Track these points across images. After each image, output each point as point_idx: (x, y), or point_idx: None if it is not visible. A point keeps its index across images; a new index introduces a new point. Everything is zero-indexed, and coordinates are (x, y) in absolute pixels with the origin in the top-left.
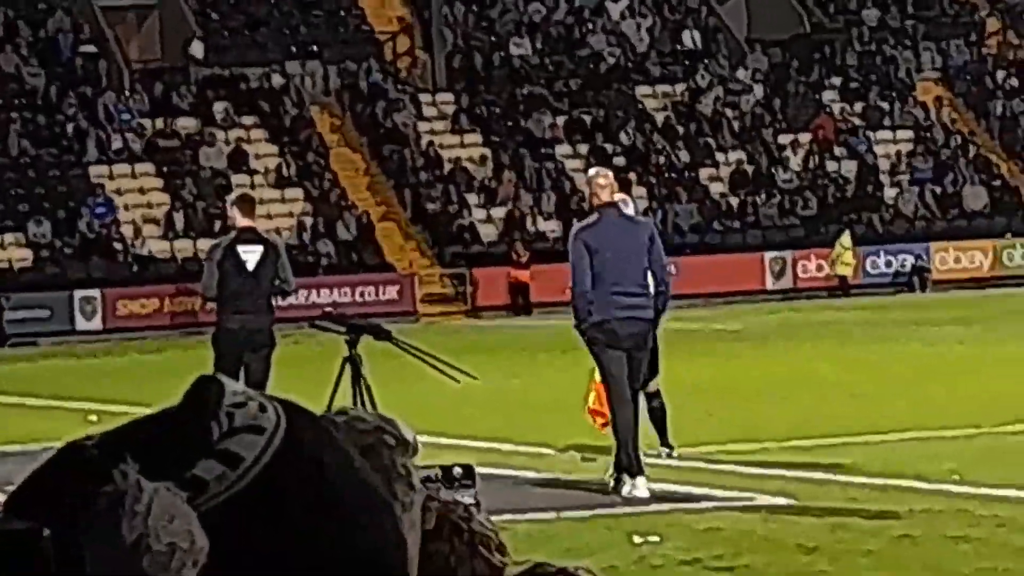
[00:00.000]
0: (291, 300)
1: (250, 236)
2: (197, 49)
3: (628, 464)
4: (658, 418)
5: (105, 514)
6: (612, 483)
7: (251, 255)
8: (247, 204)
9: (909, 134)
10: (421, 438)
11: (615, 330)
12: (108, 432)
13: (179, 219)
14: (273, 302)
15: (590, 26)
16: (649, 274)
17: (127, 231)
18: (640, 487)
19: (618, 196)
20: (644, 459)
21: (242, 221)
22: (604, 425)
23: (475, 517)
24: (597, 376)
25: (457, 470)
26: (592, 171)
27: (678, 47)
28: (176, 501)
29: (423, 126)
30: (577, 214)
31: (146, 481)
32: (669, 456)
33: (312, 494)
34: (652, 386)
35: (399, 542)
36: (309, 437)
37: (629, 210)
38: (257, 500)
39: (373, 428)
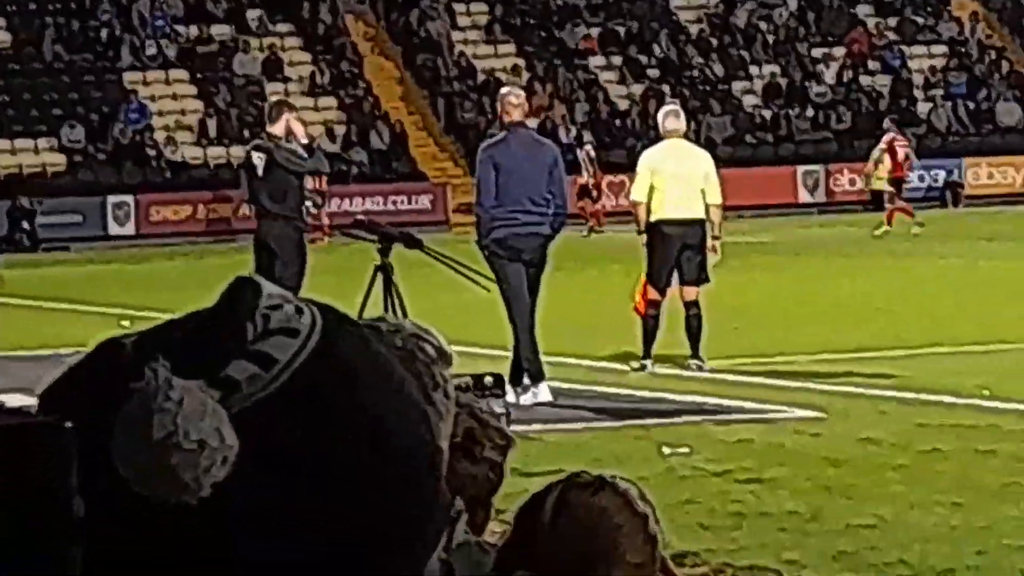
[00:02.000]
0: (326, 208)
1: (262, 143)
2: None
3: (531, 370)
4: (693, 328)
5: (135, 411)
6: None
7: (260, 161)
8: (272, 108)
9: (943, 49)
10: (452, 347)
11: (515, 245)
12: (144, 331)
13: (212, 126)
14: (293, 208)
15: None
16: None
17: (160, 137)
18: (543, 392)
19: (668, 107)
20: (680, 371)
21: (268, 127)
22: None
23: (477, 413)
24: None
25: (488, 379)
26: (505, 89)
27: None
28: (207, 400)
29: (457, 35)
30: (609, 125)
31: (178, 380)
32: (699, 369)
33: (346, 397)
34: (693, 293)
35: (433, 446)
36: (345, 341)
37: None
38: (290, 401)
39: (410, 336)
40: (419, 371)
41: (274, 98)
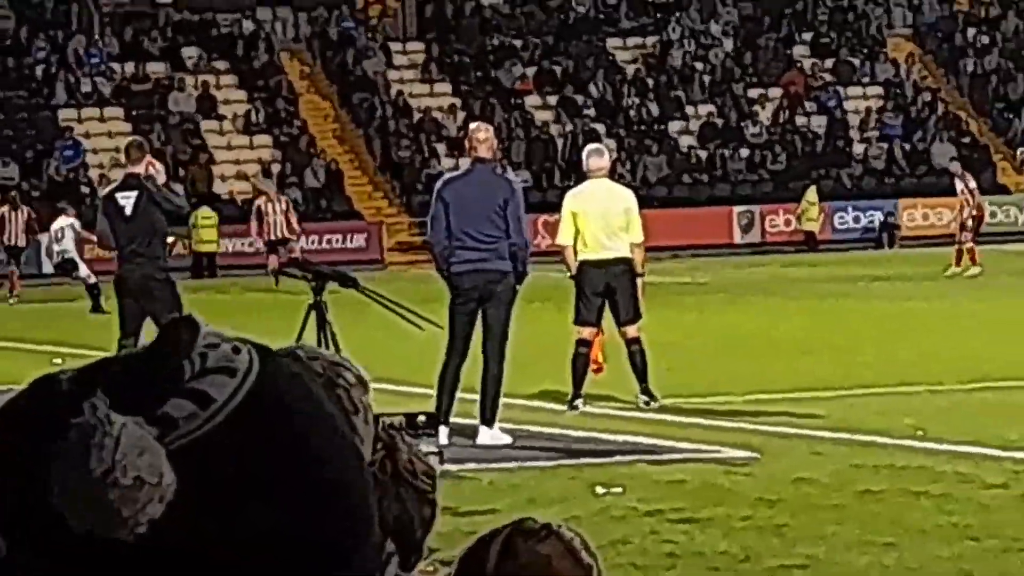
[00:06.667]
0: (258, 247)
1: (131, 182)
2: None
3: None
4: (637, 363)
5: (74, 445)
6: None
7: (127, 201)
8: (132, 149)
9: (879, 90)
10: (386, 386)
11: (459, 283)
12: (82, 367)
13: None
14: (161, 248)
15: None
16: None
17: (95, 175)
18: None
19: (592, 147)
20: (613, 411)
21: (129, 168)
22: (597, 371)
23: (399, 446)
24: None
25: (421, 418)
26: (473, 125)
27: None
28: (145, 436)
29: (393, 74)
30: (546, 164)
31: (116, 415)
32: (648, 405)
33: (282, 436)
34: (632, 331)
35: (365, 482)
36: (281, 380)
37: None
38: (227, 440)
39: (330, 364)
40: (339, 396)
41: (208, 137)
